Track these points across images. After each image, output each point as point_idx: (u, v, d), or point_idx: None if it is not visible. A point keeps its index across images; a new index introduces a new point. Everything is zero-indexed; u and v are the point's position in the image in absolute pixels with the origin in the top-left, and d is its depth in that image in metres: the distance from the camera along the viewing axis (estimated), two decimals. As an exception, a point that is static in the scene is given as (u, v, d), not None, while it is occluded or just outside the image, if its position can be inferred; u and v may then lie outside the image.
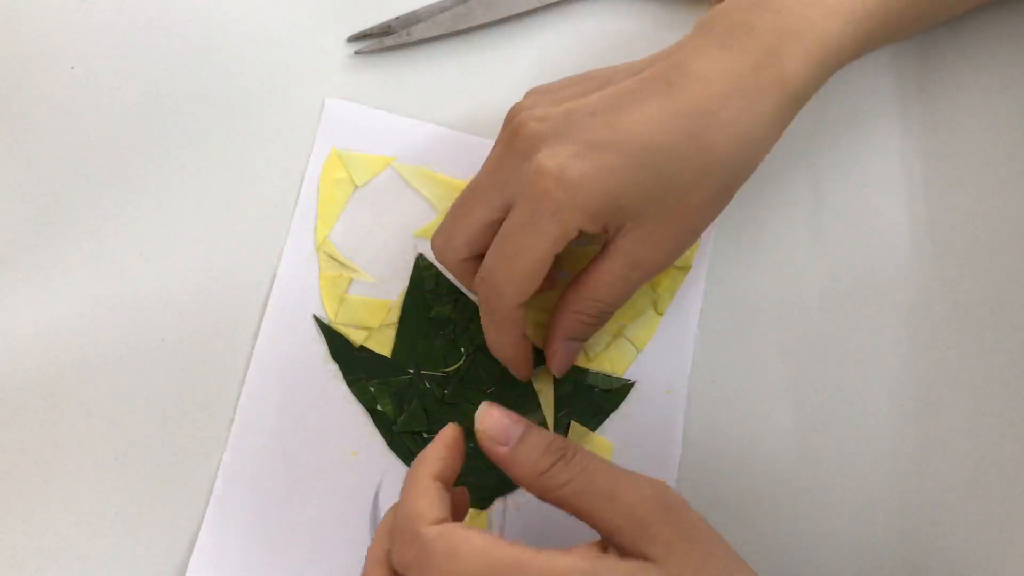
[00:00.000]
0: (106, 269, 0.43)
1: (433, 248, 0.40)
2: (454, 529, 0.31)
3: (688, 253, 0.43)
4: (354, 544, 0.41)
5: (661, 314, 0.43)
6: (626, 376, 0.43)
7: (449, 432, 0.35)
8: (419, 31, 0.46)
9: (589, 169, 0.35)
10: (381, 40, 0.46)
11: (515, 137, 0.37)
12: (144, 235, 0.44)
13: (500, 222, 0.37)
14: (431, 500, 0.32)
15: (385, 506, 0.41)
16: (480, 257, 0.38)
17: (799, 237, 0.44)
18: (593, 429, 0.42)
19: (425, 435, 0.42)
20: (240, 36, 0.46)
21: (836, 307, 0.43)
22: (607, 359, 0.43)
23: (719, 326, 0.43)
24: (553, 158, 0.35)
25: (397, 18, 0.46)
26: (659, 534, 0.31)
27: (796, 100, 0.37)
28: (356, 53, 0.46)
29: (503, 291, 0.37)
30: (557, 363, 0.40)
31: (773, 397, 0.42)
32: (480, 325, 0.42)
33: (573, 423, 0.42)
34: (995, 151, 0.45)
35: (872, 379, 0.43)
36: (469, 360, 0.43)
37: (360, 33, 0.46)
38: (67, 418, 0.42)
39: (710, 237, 0.44)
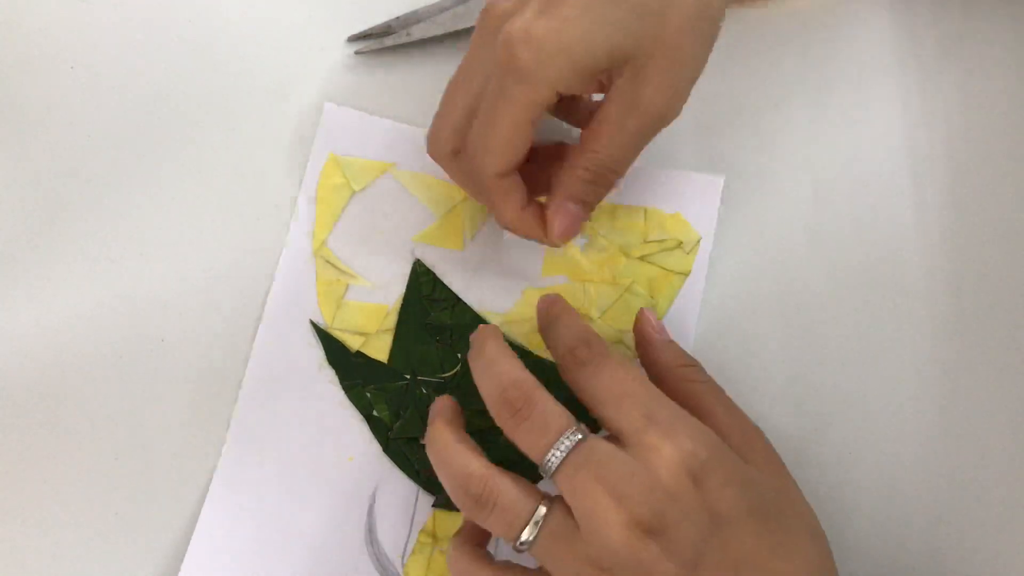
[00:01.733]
0: (106, 269, 0.44)
1: (428, 146, 0.40)
2: None
3: (687, 258, 0.43)
4: (348, 549, 0.41)
5: (659, 319, 0.43)
6: None
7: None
8: (419, 31, 0.45)
9: (551, 23, 0.34)
10: (381, 40, 0.46)
11: (485, 17, 0.36)
12: (144, 235, 0.44)
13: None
14: None
15: (380, 511, 0.41)
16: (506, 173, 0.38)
17: (799, 237, 0.44)
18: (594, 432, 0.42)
19: (421, 441, 0.42)
20: (240, 36, 0.46)
21: (836, 308, 0.43)
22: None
23: (719, 327, 0.43)
24: (517, 22, 0.34)
25: (397, 18, 0.46)
26: (764, 451, 0.36)
27: None
28: (356, 53, 0.46)
29: (483, 161, 0.36)
30: (556, 226, 0.38)
31: (773, 398, 0.42)
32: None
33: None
34: (996, 149, 0.44)
35: (872, 380, 0.43)
36: (466, 366, 0.42)
37: (360, 33, 0.46)
38: (67, 418, 0.42)
39: (709, 239, 0.43)
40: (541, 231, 0.39)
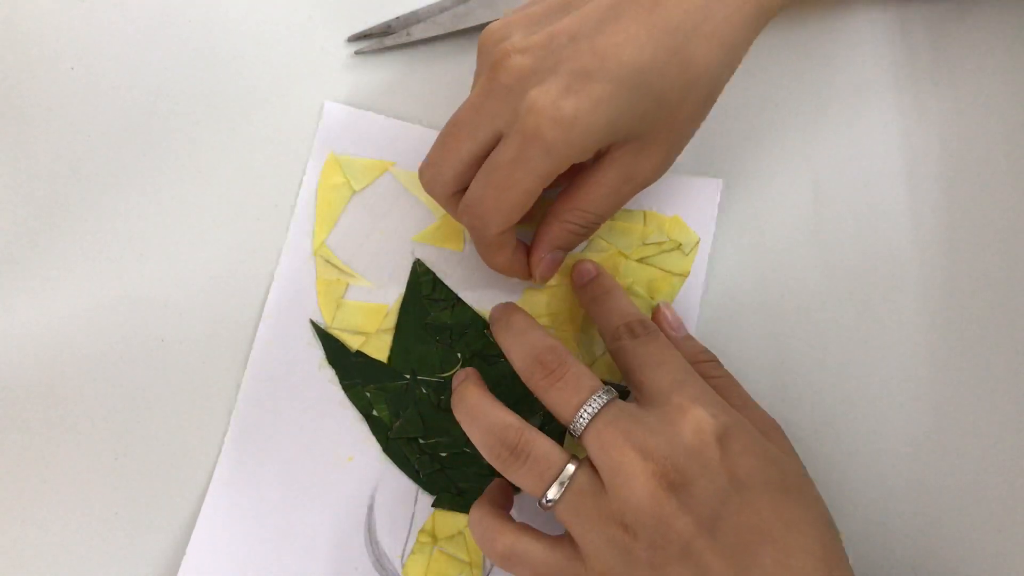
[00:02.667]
0: (106, 269, 0.44)
1: (422, 180, 0.40)
2: None
3: (687, 260, 0.43)
4: (347, 549, 0.41)
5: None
6: (624, 383, 0.42)
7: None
8: (419, 31, 0.45)
9: (582, 104, 0.35)
10: (381, 40, 0.46)
11: (499, 71, 0.36)
12: (144, 236, 0.44)
13: (486, 155, 0.37)
14: None
15: (380, 511, 0.41)
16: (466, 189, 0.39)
17: (798, 239, 0.44)
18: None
19: (421, 441, 0.42)
20: (240, 36, 0.46)
21: (835, 309, 0.43)
22: (605, 366, 0.43)
23: (719, 327, 0.43)
24: (545, 95, 0.35)
25: (397, 18, 0.46)
26: (781, 440, 0.37)
27: (769, 7, 0.37)
28: (356, 53, 0.46)
29: (490, 220, 0.37)
30: (542, 272, 0.40)
31: (772, 398, 0.42)
32: (477, 332, 0.43)
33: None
34: (993, 151, 0.44)
35: (871, 380, 0.43)
36: (465, 366, 0.42)
37: (360, 33, 0.46)
38: (67, 418, 0.42)
39: (708, 241, 0.43)
40: (524, 273, 0.41)
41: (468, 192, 0.38)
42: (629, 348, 0.37)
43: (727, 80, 0.38)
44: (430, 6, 0.46)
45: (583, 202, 0.38)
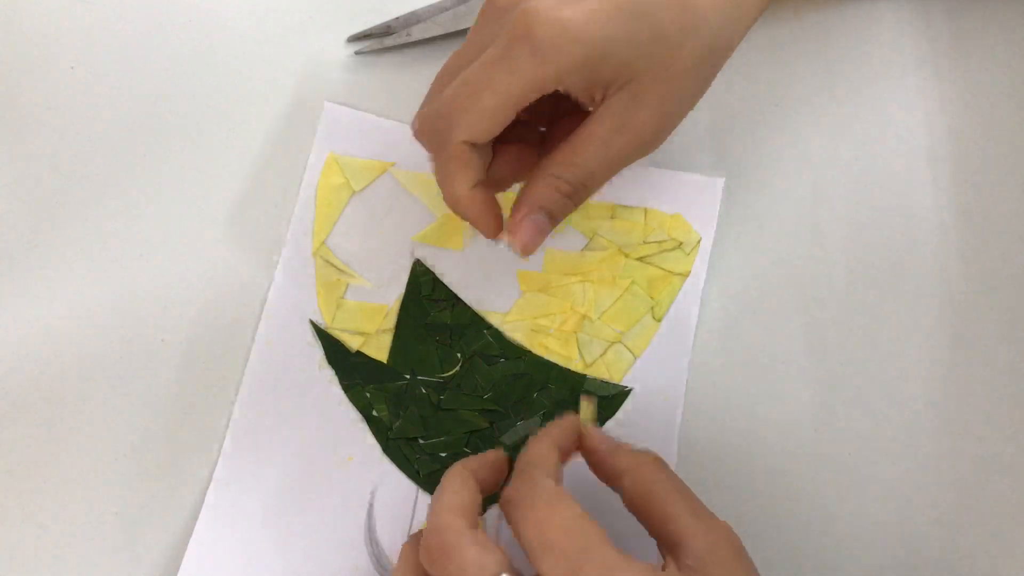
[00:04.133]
0: (106, 269, 0.44)
1: (415, 129, 0.37)
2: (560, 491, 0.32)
3: (687, 259, 0.43)
4: (348, 548, 0.41)
5: (659, 320, 0.43)
6: (623, 383, 0.42)
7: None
8: (419, 31, 0.45)
9: (575, 12, 0.33)
10: (381, 40, 0.46)
11: (493, 9, 0.35)
12: (144, 236, 0.44)
13: None
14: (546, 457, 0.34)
15: (380, 511, 0.41)
16: (475, 144, 0.35)
17: (799, 237, 0.44)
18: None
19: (421, 441, 0.42)
20: (240, 37, 0.46)
21: (836, 307, 0.43)
22: (604, 366, 0.43)
23: (719, 327, 0.43)
24: (542, 2, 0.33)
25: (397, 18, 0.46)
26: (726, 559, 0.32)
27: None
28: (356, 53, 0.46)
29: (455, 121, 0.34)
30: (522, 235, 0.36)
31: (773, 398, 0.42)
32: (477, 332, 0.43)
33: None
34: (996, 149, 0.44)
35: (873, 379, 0.43)
36: (465, 366, 0.42)
37: (360, 33, 0.46)
38: (67, 418, 0.42)
39: (710, 239, 0.43)
40: (488, 220, 0.36)
41: (437, 100, 0.35)
42: (512, 523, 0.32)
43: (728, 45, 0.36)
44: (430, 6, 0.46)
45: (572, 155, 0.35)
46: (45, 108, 0.45)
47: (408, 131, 0.44)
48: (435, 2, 0.46)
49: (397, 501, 0.41)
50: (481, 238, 0.44)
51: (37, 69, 0.45)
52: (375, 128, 0.45)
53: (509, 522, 0.32)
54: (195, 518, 0.41)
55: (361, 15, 0.46)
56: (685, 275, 0.43)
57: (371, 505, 0.41)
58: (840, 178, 0.44)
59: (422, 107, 0.37)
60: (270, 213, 0.44)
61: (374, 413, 0.42)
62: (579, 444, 0.36)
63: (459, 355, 0.43)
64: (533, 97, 0.34)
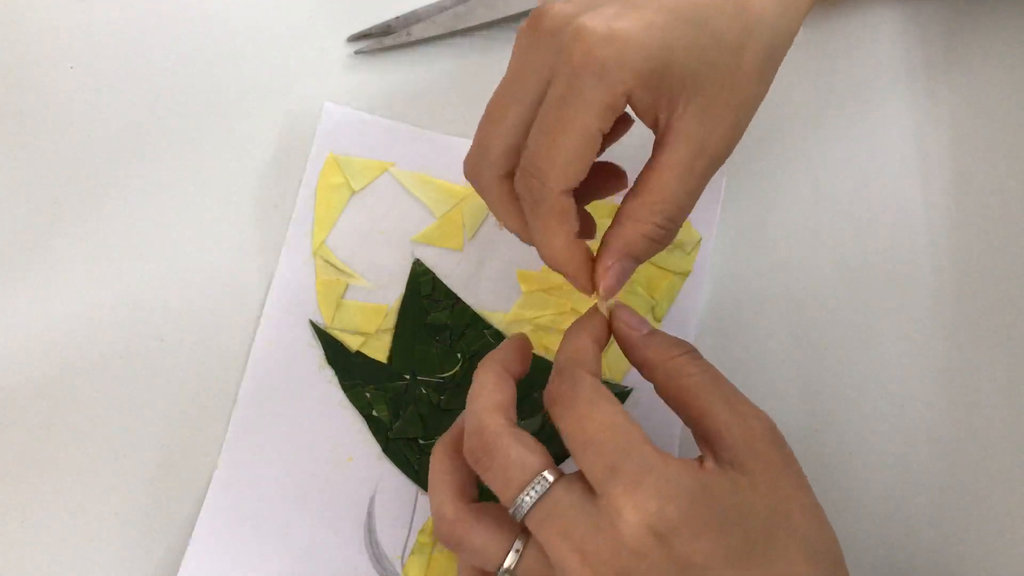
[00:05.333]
0: (106, 269, 0.44)
1: (466, 170, 0.36)
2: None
3: (688, 258, 0.43)
4: (347, 549, 0.41)
5: (659, 320, 0.43)
6: (623, 382, 0.42)
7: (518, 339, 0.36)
8: (419, 31, 0.45)
9: (634, 26, 0.31)
10: (381, 40, 0.46)
11: (540, 19, 0.33)
12: (144, 236, 0.44)
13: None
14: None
15: (380, 511, 0.41)
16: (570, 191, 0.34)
17: (800, 237, 0.44)
18: None
19: (421, 441, 0.42)
20: (240, 36, 0.46)
21: (837, 307, 0.43)
22: (605, 365, 0.43)
23: (719, 326, 0.43)
24: (595, 18, 0.31)
25: (397, 18, 0.46)
26: (766, 451, 0.32)
27: None
28: (356, 53, 0.46)
29: (547, 174, 0.32)
30: (608, 282, 0.34)
31: (773, 398, 0.42)
32: (477, 332, 0.43)
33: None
34: (997, 149, 0.44)
35: (873, 379, 0.43)
36: (465, 366, 0.42)
37: (360, 33, 0.46)
38: (67, 418, 0.42)
39: (710, 239, 0.43)
40: (585, 272, 0.35)
41: (523, 154, 0.33)
42: (553, 419, 0.33)
43: (787, 40, 0.35)
44: (430, 6, 0.46)
45: (657, 192, 0.33)
46: (45, 108, 0.45)
47: (408, 131, 0.45)
48: (435, 2, 0.46)
49: (397, 501, 0.41)
50: (481, 238, 0.44)
51: (37, 69, 0.45)
52: (375, 128, 0.45)
53: (552, 420, 0.33)
54: (195, 518, 0.41)
55: (361, 15, 0.46)
56: (685, 275, 0.43)
57: (371, 505, 0.41)
58: (840, 178, 0.44)
59: (475, 145, 0.35)
60: (270, 213, 0.44)
61: (374, 413, 0.42)
62: (612, 331, 0.35)
63: (459, 355, 0.43)
64: (609, 122, 0.32)
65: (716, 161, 0.34)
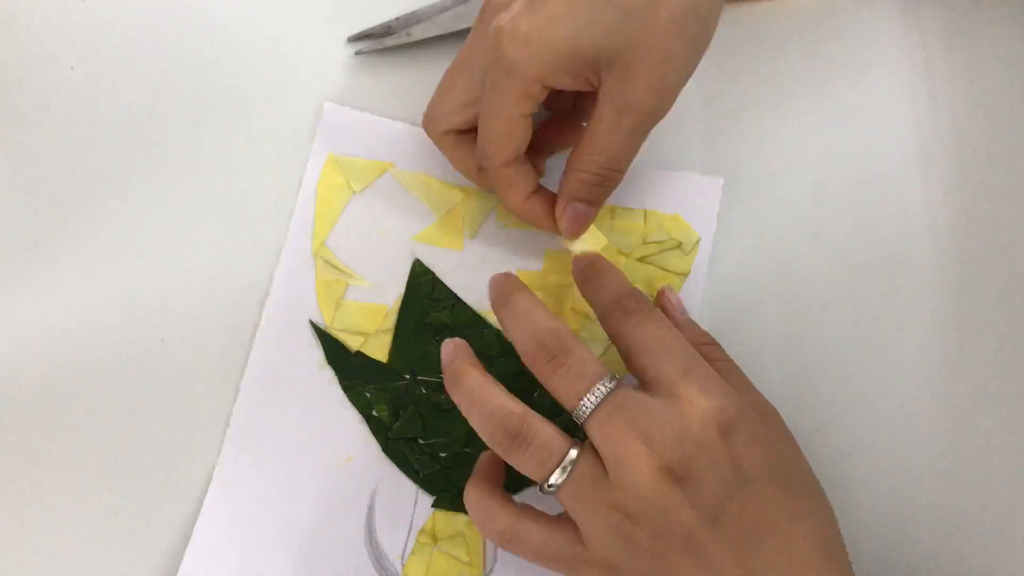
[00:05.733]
0: (106, 270, 0.44)
1: (423, 122, 0.41)
2: None
3: (687, 259, 0.43)
4: (348, 549, 0.41)
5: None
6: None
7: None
8: (419, 31, 0.45)
9: (536, 20, 0.35)
10: (381, 40, 0.46)
11: (485, 11, 0.38)
12: (144, 236, 0.44)
13: (479, 94, 0.38)
14: None
15: (380, 511, 0.41)
16: (463, 132, 0.40)
17: (799, 237, 0.44)
18: None
19: (421, 441, 0.42)
20: (240, 37, 0.46)
21: (836, 308, 0.43)
22: (605, 363, 0.42)
23: (719, 326, 0.43)
24: (504, 17, 0.36)
25: (397, 18, 0.46)
26: (783, 428, 0.37)
27: None
28: (356, 53, 0.46)
29: (488, 152, 0.38)
30: (565, 225, 0.39)
31: (772, 398, 0.42)
32: (477, 332, 0.43)
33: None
34: (998, 148, 0.44)
35: (872, 380, 0.43)
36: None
37: (360, 33, 0.46)
38: (67, 418, 0.42)
39: (708, 240, 0.43)
40: (548, 220, 0.40)
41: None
42: (623, 330, 0.36)
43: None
44: (430, 6, 0.46)
45: (589, 145, 0.37)
46: (45, 108, 0.45)
47: (408, 131, 0.45)
48: (435, 2, 0.46)
49: (397, 501, 0.41)
50: (481, 238, 0.44)
51: (37, 69, 0.45)
52: (375, 128, 0.45)
53: (616, 331, 0.37)
54: (195, 518, 0.41)
55: (361, 15, 0.46)
56: (684, 275, 0.43)
57: (371, 505, 0.41)
58: (840, 178, 0.44)
59: (430, 105, 0.41)
60: (270, 213, 0.44)
61: (374, 413, 0.42)
62: (656, 305, 0.41)
63: (459, 355, 0.43)
64: (528, 108, 0.37)
65: (646, 115, 0.37)
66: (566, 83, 0.36)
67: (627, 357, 0.36)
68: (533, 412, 0.35)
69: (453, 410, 0.42)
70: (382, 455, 0.42)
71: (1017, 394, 0.42)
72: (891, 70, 0.45)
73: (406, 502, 0.41)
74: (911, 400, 0.42)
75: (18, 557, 0.41)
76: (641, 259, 0.43)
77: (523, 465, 0.34)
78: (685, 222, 0.44)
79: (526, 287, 0.38)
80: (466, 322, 0.43)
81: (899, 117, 0.45)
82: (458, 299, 0.43)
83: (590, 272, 0.39)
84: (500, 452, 0.35)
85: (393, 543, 0.41)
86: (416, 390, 0.42)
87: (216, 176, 0.45)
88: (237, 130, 0.45)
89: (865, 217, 0.44)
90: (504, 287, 0.38)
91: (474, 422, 0.35)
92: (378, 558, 0.41)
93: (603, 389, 0.34)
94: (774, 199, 0.44)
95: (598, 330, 0.43)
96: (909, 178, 0.44)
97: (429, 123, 0.41)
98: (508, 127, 0.37)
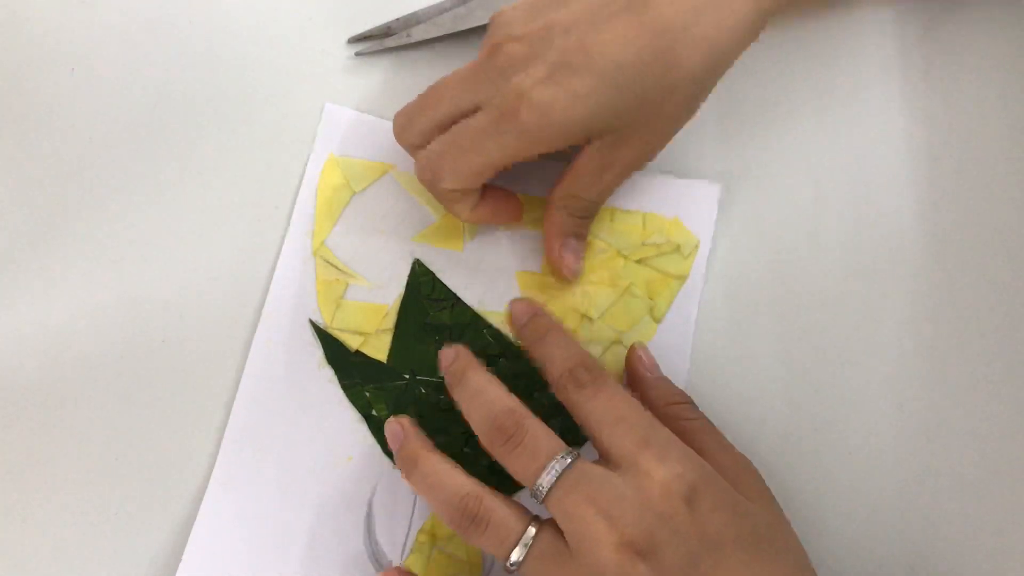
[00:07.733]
0: (106, 270, 0.44)
1: (394, 126, 0.41)
2: None
3: (686, 262, 0.43)
4: (347, 549, 0.41)
5: (658, 321, 0.43)
6: (622, 384, 0.42)
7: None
8: (419, 32, 0.45)
9: (560, 95, 0.36)
10: (381, 41, 0.46)
11: (495, 54, 0.38)
12: (144, 236, 0.44)
13: (456, 121, 0.38)
14: None
15: (379, 511, 0.41)
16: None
17: (798, 240, 0.44)
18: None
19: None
20: (240, 38, 0.46)
21: (834, 311, 0.43)
22: (604, 364, 0.43)
23: (718, 328, 0.43)
24: (528, 79, 0.36)
25: (397, 19, 0.46)
26: (757, 483, 0.37)
27: (767, 11, 0.38)
28: (356, 54, 0.46)
29: (444, 176, 0.38)
30: (565, 264, 0.41)
31: (771, 401, 0.42)
32: (476, 332, 0.43)
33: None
34: (996, 152, 0.44)
35: (871, 380, 0.43)
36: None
37: (360, 34, 0.46)
38: (67, 418, 0.42)
39: (707, 242, 0.43)
40: (503, 216, 0.42)
41: (430, 145, 0.39)
42: (577, 403, 0.36)
43: (713, 84, 0.38)
44: (430, 7, 0.46)
45: (570, 187, 0.40)
46: (45, 109, 0.45)
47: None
48: (435, 3, 0.46)
49: (397, 501, 0.41)
50: (481, 238, 0.44)
51: (38, 71, 0.45)
52: (375, 129, 0.45)
53: (570, 404, 0.36)
54: (194, 518, 0.41)
55: (361, 16, 0.46)
56: (683, 278, 0.43)
57: (371, 505, 0.41)
58: (840, 180, 0.44)
59: (409, 109, 0.40)
60: (270, 213, 0.44)
61: (373, 413, 0.42)
62: (626, 363, 0.41)
63: (459, 355, 0.43)
64: (511, 161, 0.38)
65: (627, 171, 0.39)
66: (559, 149, 0.37)
67: (584, 429, 0.36)
68: (491, 491, 0.35)
69: (452, 410, 0.42)
70: (382, 455, 0.42)
71: (1016, 394, 0.42)
72: (890, 74, 0.46)
73: (405, 502, 0.41)
74: (910, 400, 0.42)
75: (18, 557, 0.41)
76: (640, 261, 0.43)
77: (484, 545, 0.34)
78: (684, 226, 0.44)
79: (477, 362, 0.38)
80: (466, 322, 0.43)
81: (898, 119, 0.45)
82: (458, 299, 0.43)
83: (533, 334, 0.39)
84: (460, 534, 0.35)
85: (392, 542, 0.41)
86: (416, 390, 0.42)
87: (217, 177, 0.45)
88: (237, 131, 0.45)
89: (864, 220, 0.44)
90: (456, 366, 0.38)
91: (433, 507, 0.36)
92: (377, 557, 0.41)
93: (559, 466, 0.34)
94: (773, 201, 0.44)
95: (598, 331, 0.43)
96: (907, 182, 0.44)
97: (402, 131, 0.40)
98: (484, 168, 0.38)
